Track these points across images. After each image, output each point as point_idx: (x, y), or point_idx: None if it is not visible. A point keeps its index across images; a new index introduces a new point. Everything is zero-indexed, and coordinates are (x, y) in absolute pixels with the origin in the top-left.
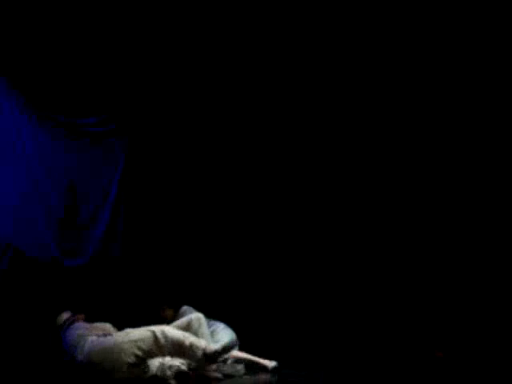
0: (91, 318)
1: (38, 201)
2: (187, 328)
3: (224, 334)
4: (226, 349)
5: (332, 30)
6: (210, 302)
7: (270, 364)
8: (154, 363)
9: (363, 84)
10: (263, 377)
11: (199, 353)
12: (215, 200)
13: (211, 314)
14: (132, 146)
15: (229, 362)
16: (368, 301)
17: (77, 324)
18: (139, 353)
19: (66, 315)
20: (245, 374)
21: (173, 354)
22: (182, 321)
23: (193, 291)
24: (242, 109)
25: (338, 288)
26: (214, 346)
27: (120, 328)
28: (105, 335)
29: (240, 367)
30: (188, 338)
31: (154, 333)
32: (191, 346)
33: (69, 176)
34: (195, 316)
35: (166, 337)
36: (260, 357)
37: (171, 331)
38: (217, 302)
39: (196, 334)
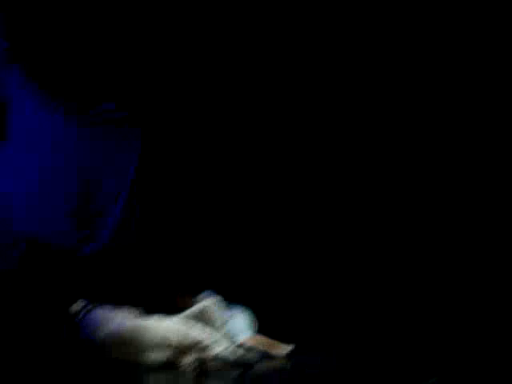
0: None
1: (53, 189)
2: (201, 314)
3: (241, 319)
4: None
5: (332, 29)
6: (229, 287)
7: (286, 348)
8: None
9: (363, 83)
10: (278, 363)
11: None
12: (231, 185)
13: (229, 298)
14: (148, 133)
15: (243, 346)
16: (381, 287)
17: (97, 308)
18: (167, 340)
19: (81, 303)
20: (259, 360)
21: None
22: (196, 307)
23: (210, 277)
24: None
25: (352, 272)
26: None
27: None
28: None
29: (255, 352)
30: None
31: (185, 328)
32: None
33: (84, 163)
34: (208, 302)
35: (188, 333)
36: (276, 340)
37: (195, 332)
38: (235, 287)
39: (210, 319)
